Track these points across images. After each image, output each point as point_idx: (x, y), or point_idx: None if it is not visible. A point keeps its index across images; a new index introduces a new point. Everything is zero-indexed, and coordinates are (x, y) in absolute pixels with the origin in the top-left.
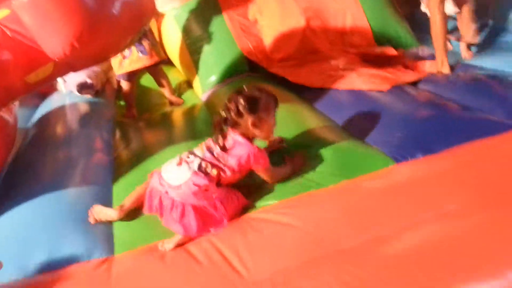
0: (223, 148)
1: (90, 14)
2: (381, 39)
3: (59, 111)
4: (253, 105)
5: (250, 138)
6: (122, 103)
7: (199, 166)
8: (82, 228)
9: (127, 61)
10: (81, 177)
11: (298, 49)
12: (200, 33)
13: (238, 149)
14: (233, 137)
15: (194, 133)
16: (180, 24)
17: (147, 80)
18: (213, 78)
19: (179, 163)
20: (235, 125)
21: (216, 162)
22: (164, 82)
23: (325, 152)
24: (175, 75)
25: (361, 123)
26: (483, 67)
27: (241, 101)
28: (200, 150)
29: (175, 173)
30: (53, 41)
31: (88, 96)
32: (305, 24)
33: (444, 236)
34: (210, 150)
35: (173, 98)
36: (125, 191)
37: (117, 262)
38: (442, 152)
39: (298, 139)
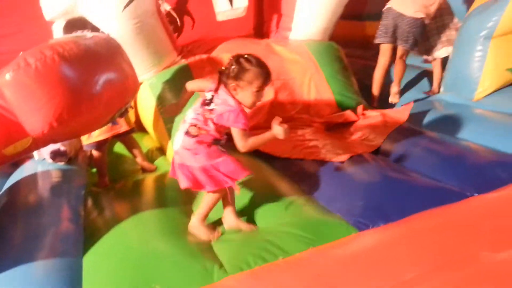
0: (204, 103)
1: (71, 94)
2: (342, 105)
3: (31, 179)
4: (238, 73)
5: (236, 100)
6: (94, 170)
7: (187, 128)
8: None
9: (96, 131)
10: (49, 249)
11: (267, 119)
12: (174, 101)
13: (223, 106)
14: (223, 92)
15: (166, 201)
16: (155, 93)
17: (120, 146)
18: None
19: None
20: (226, 82)
21: (195, 122)
22: (135, 150)
23: (293, 220)
24: (148, 141)
25: (326, 192)
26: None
27: (233, 64)
28: (191, 109)
29: (177, 137)
30: (33, 119)
31: (60, 163)
32: (273, 95)
33: None
34: (195, 109)
35: (146, 165)
36: (94, 263)
37: None
38: (401, 220)
39: (266, 207)
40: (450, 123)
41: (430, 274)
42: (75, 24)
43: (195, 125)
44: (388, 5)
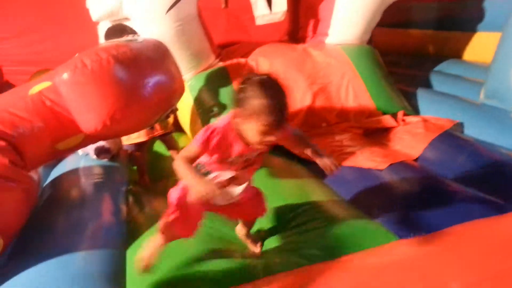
0: None
1: (124, 95)
2: (382, 110)
3: (74, 173)
4: (242, 100)
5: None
6: (135, 168)
7: None
8: None
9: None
10: (91, 240)
11: (305, 123)
12: (212, 103)
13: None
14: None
15: None
16: (193, 94)
17: (161, 146)
18: None
19: None
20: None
21: None
22: (174, 150)
23: (331, 226)
24: (186, 142)
25: (365, 199)
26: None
27: (240, 89)
28: None
29: None
30: (87, 117)
31: (104, 160)
32: (311, 99)
33: None
34: None
35: None
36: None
37: None
38: (443, 230)
39: (305, 211)
40: (493, 131)
41: (474, 286)
42: (116, 29)
43: None
44: None
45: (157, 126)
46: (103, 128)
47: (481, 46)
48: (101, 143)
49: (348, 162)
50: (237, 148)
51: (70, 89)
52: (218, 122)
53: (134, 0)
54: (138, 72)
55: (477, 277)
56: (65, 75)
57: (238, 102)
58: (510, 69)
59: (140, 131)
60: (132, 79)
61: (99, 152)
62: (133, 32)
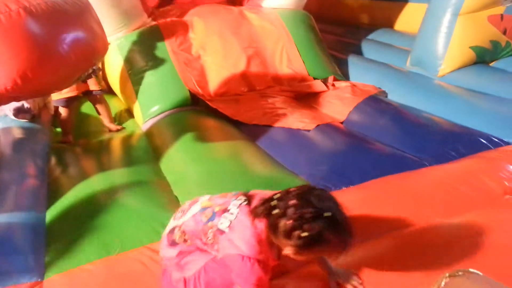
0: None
1: (37, 51)
2: (314, 75)
3: None
4: (312, 244)
5: (268, 240)
6: (58, 129)
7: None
8: (11, 252)
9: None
10: (13, 202)
11: (239, 86)
12: (143, 64)
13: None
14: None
15: (131, 160)
16: (123, 54)
17: (86, 107)
18: (155, 109)
19: None
20: (271, 228)
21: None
22: (103, 110)
23: (259, 181)
24: (116, 104)
25: (292, 157)
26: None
27: (303, 231)
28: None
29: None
30: None
31: (23, 121)
32: (246, 62)
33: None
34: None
35: (112, 126)
36: (58, 218)
37: (47, 286)
38: (362, 184)
39: (236, 171)
40: (415, 96)
41: (386, 235)
42: None
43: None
44: None
45: (89, 81)
46: (13, 87)
47: (411, 16)
48: (20, 102)
49: (279, 123)
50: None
51: None
52: (242, 246)
53: None
54: (53, 27)
55: (389, 227)
56: None
57: (303, 247)
58: (433, 38)
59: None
60: (46, 34)
61: (18, 112)
62: None
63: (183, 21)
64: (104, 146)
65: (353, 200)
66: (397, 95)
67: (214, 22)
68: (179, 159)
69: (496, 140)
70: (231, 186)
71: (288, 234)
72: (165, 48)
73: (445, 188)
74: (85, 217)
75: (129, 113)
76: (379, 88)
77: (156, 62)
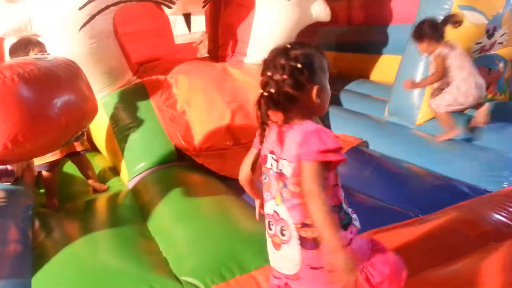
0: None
1: (28, 116)
2: None
3: None
4: (312, 67)
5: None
6: (42, 190)
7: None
8: None
9: None
10: None
11: (224, 140)
12: (129, 121)
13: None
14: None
15: (118, 221)
16: (108, 112)
17: (69, 167)
18: (141, 165)
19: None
20: (290, 102)
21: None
22: (87, 170)
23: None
24: (100, 162)
25: None
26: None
27: (297, 64)
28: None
29: (279, 258)
30: None
31: (6, 184)
32: (230, 116)
33: None
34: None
35: (97, 185)
36: (44, 284)
37: None
38: None
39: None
40: (395, 146)
41: None
42: (20, 44)
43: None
44: None
45: (73, 143)
46: (3, 151)
47: (386, 67)
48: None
49: None
50: None
51: None
52: (307, 125)
53: (44, 15)
54: (45, 92)
55: None
56: None
57: (310, 71)
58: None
59: None
60: (38, 99)
61: (1, 175)
62: (39, 43)
63: (168, 78)
64: (90, 208)
65: None
66: (377, 145)
67: (198, 78)
68: (167, 219)
69: (476, 188)
70: (221, 245)
71: (296, 83)
72: (150, 105)
73: (430, 239)
74: (72, 283)
75: (114, 171)
76: (361, 138)
77: (141, 119)
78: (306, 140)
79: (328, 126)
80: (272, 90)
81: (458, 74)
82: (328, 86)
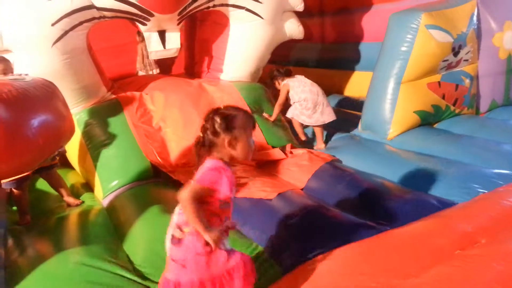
0: None
1: (5, 136)
2: (272, 144)
3: None
4: (229, 123)
5: (226, 162)
6: (15, 208)
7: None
8: None
9: None
10: None
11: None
12: (103, 137)
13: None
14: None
15: (91, 238)
16: (82, 128)
17: (43, 183)
18: (116, 183)
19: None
20: (211, 146)
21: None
22: (59, 185)
23: None
24: (71, 177)
25: (256, 226)
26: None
27: (217, 119)
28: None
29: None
30: None
31: None
32: None
33: None
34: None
35: (71, 200)
36: None
37: None
38: (324, 254)
39: None
40: (367, 160)
41: None
42: None
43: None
44: None
45: None
46: None
47: (358, 83)
48: None
49: (242, 193)
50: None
51: None
52: (211, 164)
53: (16, 31)
54: (22, 112)
55: None
56: None
57: (226, 128)
58: (380, 105)
59: None
60: (14, 120)
61: None
62: (4, 60)
63: (143, 94)
64: (64, 224)
65: (320, 269)
66: (350, 160)
67: (174, 94)
68: (144, 240)
69: (445, 201)
70: None
71: (214, 132)
72: (125, 121)
73: (401, 251)
74: None
75: (86, 186)
76: (334, 156)
77: (116, 135)
78: (201, 170)
79: (306, 141)
80: (201, 134)
81: None
82: (247, 141)
